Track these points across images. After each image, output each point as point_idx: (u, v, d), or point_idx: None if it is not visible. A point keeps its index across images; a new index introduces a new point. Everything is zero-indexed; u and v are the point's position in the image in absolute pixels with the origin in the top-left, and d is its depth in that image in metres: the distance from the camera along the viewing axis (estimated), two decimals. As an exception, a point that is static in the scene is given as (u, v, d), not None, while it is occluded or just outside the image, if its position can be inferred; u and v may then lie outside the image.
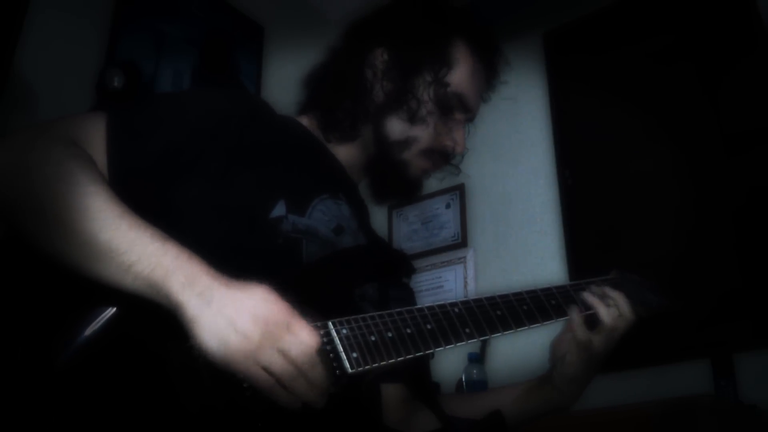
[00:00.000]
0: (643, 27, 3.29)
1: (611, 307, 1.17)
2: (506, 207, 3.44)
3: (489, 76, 1.35)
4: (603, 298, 1.18)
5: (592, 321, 1.18)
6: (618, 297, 1.18)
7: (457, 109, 1.28)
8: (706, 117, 3.02)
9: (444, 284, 3.44)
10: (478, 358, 2.81)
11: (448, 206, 3.62)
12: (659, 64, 3.19)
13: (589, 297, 1.18)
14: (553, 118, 3.43)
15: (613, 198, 3.14)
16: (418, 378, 1.19)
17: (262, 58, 3.45)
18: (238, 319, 0.83)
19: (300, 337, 0.85)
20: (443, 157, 1.30)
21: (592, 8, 3.40)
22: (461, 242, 3.51)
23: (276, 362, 0.84)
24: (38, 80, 2.47)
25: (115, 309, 0.86)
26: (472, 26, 1.33)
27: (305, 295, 0.89)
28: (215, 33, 3.28)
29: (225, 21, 3.34)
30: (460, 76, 1.27)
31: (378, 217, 3.72)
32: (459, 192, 3.59)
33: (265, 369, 0.84)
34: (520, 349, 2.59)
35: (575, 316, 1.15)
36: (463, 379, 2.73)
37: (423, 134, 1.24)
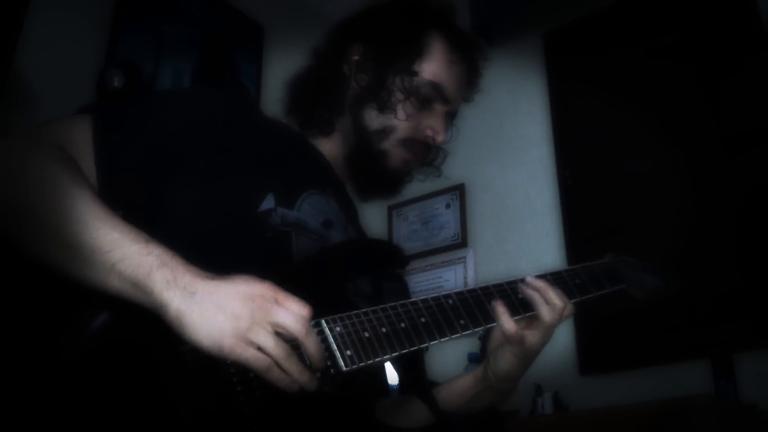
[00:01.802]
0: (643, 27, 3.30)
1: (549, 305, 1.09)
2: (506, 207, 3.44)
3: (469, 72, 1.36)
4: (542, 294, 1.11)
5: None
6: (554, 295, 1.10)
7: (435, 100, 1.29)
8: (706, 117, 3.02)
9: (444, 284, 3.44)
10: (478, 358, 2.81)
11: (448, 206, 3.62)
12: (659, 64, 3.19)
13: (529, 292, 1.10)
14: (553, 118, 3.43)
15: (613, 198, 3.14)
16: (413, 372, 1.18)
17: (262, 58, 3.45)
18: (225, 302, 0.83)
19: (290, 308, 0.85)
20: (424, 148, 1.31)
21: (592, 8, 3.40)
22: (461, 242, 3.51)
23: (269, 340, 0.83)
24: (38, 80, 2.47)
25: (105, 313, 0.86)
26: (450, 23, 1.35)
27: (298, 292, 0.89)
28: (215, 33, 3.28)
29: (225, 21, 3.34)
30: (435, 66, 1.28)
31: (378, 217, 3.73)
32: (459, 192, 3.59)
33: (260, 349, 0.83)
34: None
35: (503, 316, 1.07)
36: (463, 379, 2.73)
37: (400, 123, 1.26)
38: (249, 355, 0.83)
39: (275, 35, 3.53)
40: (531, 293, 1.10)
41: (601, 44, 3.41)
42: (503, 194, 3.47)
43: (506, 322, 1.07)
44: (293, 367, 0.85)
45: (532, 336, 1.08)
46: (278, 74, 3.39)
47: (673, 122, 3.08)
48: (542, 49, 3.56)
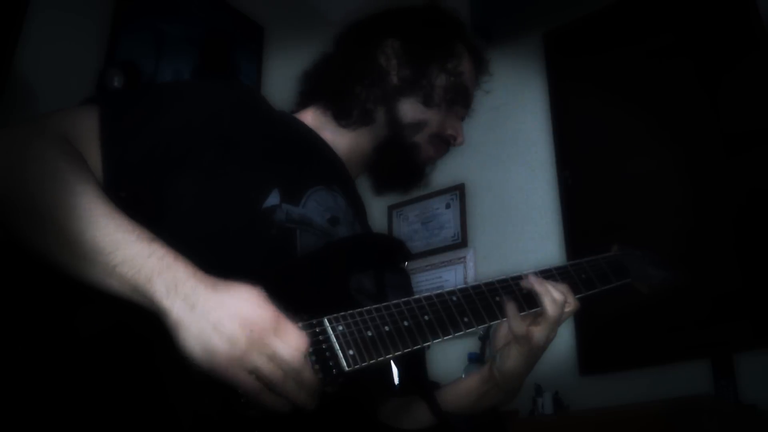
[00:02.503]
0: (643, 27, 3.29)
1: (555, 299, 1.09)
2: (506, 207, 3.44)
3: (478, 81, 1.41)
4: (548, 288, 1.10)
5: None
6: (559, 288, 1.10)
7: (461, 102, 1.34)
8: (706, 117, 3.02)
9: (444, 284, 3.43)
10: (478, 358, 2.81)
11: (448, 206, 3.62)
12: (659, 64, 3.19)
13: (537, 287, 1.09)
14: (553, 118, 3.43)
15: (613, 198, 3.14)
16: (414, 371, 1.17)
17: (262, 58, 3.46)
18: (224, 323, 0.81)
19: (288, 342, 0.84)
20: (446, 147, 1.35)
21: (592, 8, 3.40)
22: (461, 242, 3.51)
23: (264, 366, 0.82)
24: (38, 80, 2.47)
25: (107, 313, 0.85)
26: (469, 35, 1.40)
27: (301, 289, 0.88)
28: (215, 33, 3.28)
29: (225, 21, 3.34)
30: (465, 71, 1.34)
31: (378, 217, 3.72)
32: (459, 192, 3.59)
33: (253, 373, 0.82)
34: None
35: (514, 318, 1.07)
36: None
37: (433, 118, 1.30)
38: (241, 377, 0.82)
39: (275, 35, 3.53)
40: (538, 288, 1.09)
41: (601, 44, 3.41)
42: (503, 194, 3.47)
43: (516, 322, 1.06)
44: (288, 389, 0.84)
45: (538, 332, 1.06)
46: (278, 74, 3.39)
47: (673, 122, 3.08)
48: (542, 49, 3.56)
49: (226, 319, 0.82)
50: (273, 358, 0.83)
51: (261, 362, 0.82)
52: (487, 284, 1.09)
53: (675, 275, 1.33)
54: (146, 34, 2.96)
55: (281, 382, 0.83)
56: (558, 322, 1.08)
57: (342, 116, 1.29)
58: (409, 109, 1.28)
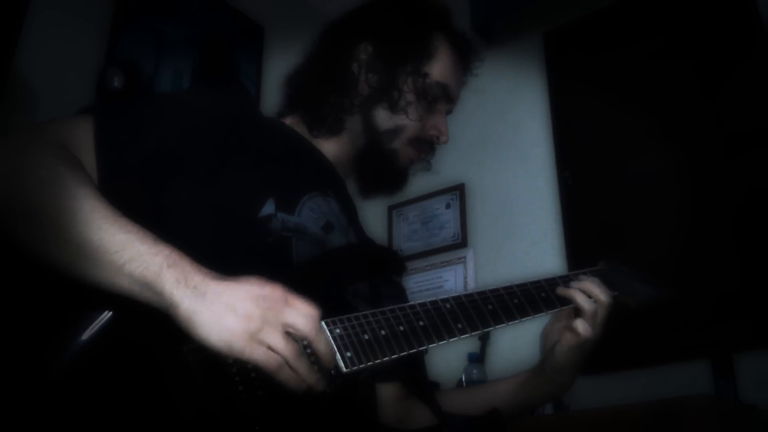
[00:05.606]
0: (643, 27, 3.29)
1: (586, 294, 1.18)
2: (506, 207, 3.44)
3: (465, 73, 1.40)
4: (579, 286, 1.19)
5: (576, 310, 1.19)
6: (592, 284, 1.18)
7: (440, 99, 1.32)
8: (706, 117, 3.02)
9: (444, 284, 3.44)
10: (478, 358, 2.81)
11: (448, 206, 3.62)
12: (659, 63, 3.19)
13: (562, 290, 1.18)
14: (553, 118, 3.43)
15: (613, 198, 3.14)
16: (414, 375, 1.19)
17: (262, 58, 3.46)
18: (236, 303, 0.84)
19: (301, 309, 0.87)
20: (429, 147, 1.35)
21: (592, 8, 3.40)
22: (461, 242, 3.51)
23: (279, 340, 0.84)
24: (38, 80, 2.47)
25: (110, 313, 0.86)
26: (450, 24, 1.38)
27: (297, 295, 0.89)
28: (215, 33, 3.28)
29: (225, 21, 3.34)
30: (442, 67, 1.32)
31: (378, 217, 3.73)
32: (459, 192, 3.59)
33: (270, 349, 0.84)
34: (520, 349, 2.59)
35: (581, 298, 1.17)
36: (463, 379, 2.74)
37: (409, 123, 1.29)
38: (259, 354, 0.83)
39: (275, 35, 3.53)
40: (567, 289, 1.17)
41: (601, 44, 3.41)
42: (503, 194, 3.47)
43: (584, 301, 1.15)
44: (302, 367, 0.85)
45: (581, 324, 1.15)
46: (278, 74, 3.37)
47: (674, 122, 3.08)
48: (542, 49, 3.56)
49: (237, 299, 0.84)
50: (287, 327, 0.85)
51: (276, 337, 0.84)
52: (479, 293, 1.12)
53: (660, 292, 1.35)
54: (146, 34, 2.96)
55: (296, 358, 0.85)
56: (596, 316, 1.16)
57: (314, 126, 1.30)
58: (385, 117, 1.28)
